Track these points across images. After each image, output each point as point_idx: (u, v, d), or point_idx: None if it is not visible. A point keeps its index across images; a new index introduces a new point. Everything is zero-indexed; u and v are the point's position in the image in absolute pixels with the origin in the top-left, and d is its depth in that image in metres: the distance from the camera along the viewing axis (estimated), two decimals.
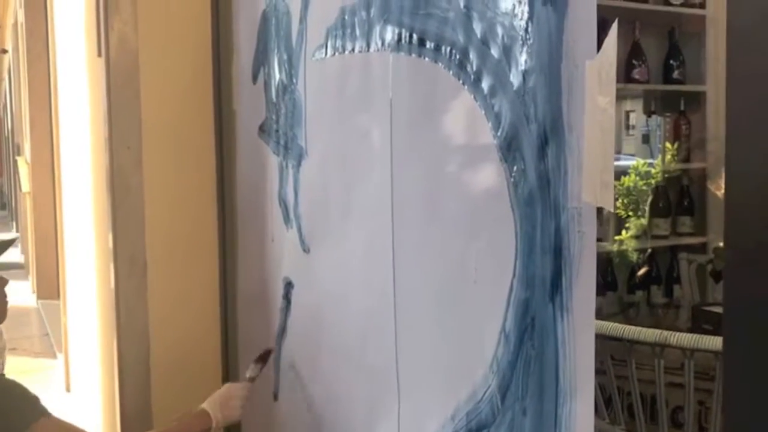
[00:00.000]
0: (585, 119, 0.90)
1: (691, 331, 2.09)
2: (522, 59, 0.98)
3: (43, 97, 4.88)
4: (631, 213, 3.06)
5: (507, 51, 1.01)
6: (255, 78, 1.87)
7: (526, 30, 0.97)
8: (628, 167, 3.09)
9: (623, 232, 3.04)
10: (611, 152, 0.89)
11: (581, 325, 0.92)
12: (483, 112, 1.06)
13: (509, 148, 1.02)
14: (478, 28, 1.06)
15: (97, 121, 2.26)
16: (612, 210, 0.97)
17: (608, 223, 3.02)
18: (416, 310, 1.27)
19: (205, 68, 2.07)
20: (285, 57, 1.69)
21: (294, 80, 1.66)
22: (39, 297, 5.43)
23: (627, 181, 3.04)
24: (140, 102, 2.00)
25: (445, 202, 1.19)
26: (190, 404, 1.67)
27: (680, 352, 1.74)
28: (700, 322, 2.13)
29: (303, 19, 1.60)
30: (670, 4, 3.11)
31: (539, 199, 0.97)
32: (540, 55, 0.95)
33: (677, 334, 1.73)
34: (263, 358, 1.75)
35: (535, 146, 0.97)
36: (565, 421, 0.95)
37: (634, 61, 3.07)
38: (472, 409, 1.12)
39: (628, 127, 3.68)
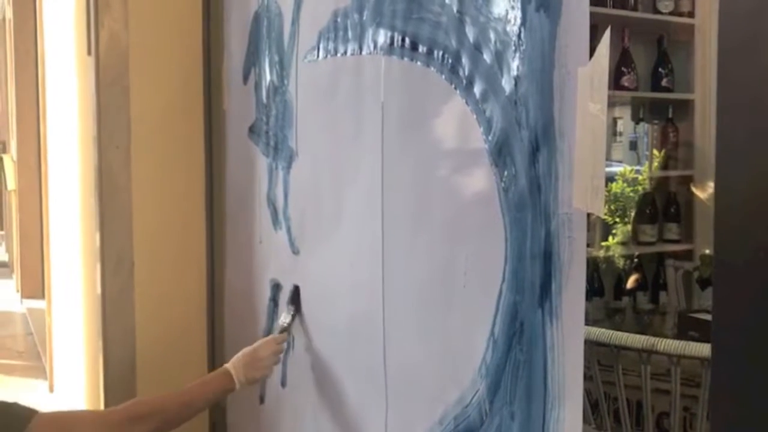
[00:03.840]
0: (576, 125, 0.90)
1: (677, 337, 2.10)
2: (514, 65, 0.98)
3: (31, 94, 4.84)
4: (618, 219, 3.07)
5: (499, 56, 1.01)
6: (245, 79, 1.87)
7: (519, 36, 0.97)
8: (616, 173, 3.11)
9: (610, 238, 3.05)
10: (602, 159, 0.89)
11: (570, 331, 0.93)
12: (474, 116, 1.07)
13: (500, 153, 1.02)
14: (470, 32, 1.06)
15: (85, 120, 2.25)
16: (602, 216, 0.98)
17: (595, 229, 3.03)
18: (405, 314, 1.27)
19: (196, 68, 2.06)
20: (276, 58, 1.69)
21: (285, 82, 1.65)
22: (23, 296, 5.37)
23: (614, 187, 3.05)
24: (129, 101, 1.99)
25: (436, 206, 1.19)
26: None
27: (667, 359, 1.75)
28: (686, 329, 2.14)
29: (295, 21, 1.59)
30: (660, 13, 3.13)
31: (529, 204, 0.97)
32: (532, 61, 0.95)
33: (664, 340, 1.73)
34: (294, 300, 1.56)
35: (526, 152, 0.97)
36: (553, 427, 0.95)
37: (623, 69, 3.09)
38: (460, 413, 1.12)
39: (615, 133, 3.70)
